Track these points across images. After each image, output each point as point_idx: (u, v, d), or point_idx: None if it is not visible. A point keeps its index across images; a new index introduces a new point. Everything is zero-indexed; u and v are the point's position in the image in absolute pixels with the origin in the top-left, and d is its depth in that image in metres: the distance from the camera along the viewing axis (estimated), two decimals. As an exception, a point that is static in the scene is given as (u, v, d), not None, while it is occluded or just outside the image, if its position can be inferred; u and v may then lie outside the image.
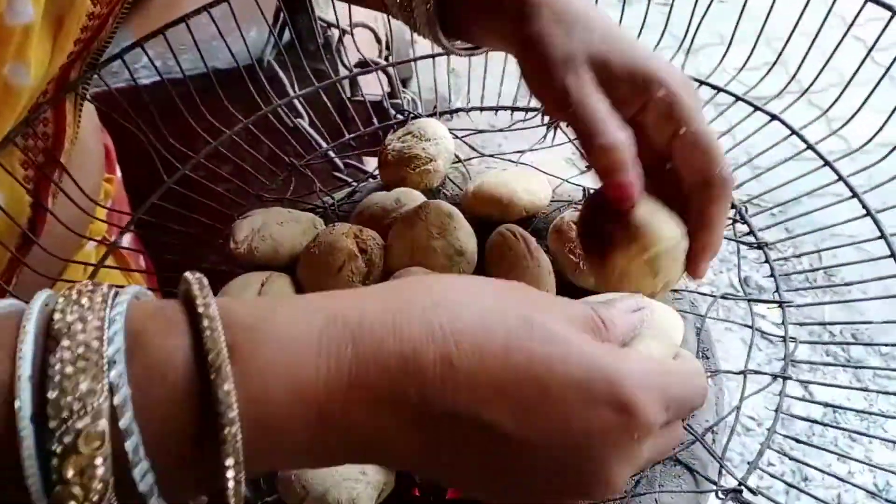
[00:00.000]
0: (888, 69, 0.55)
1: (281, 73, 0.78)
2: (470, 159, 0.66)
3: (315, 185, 0.66)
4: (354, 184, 0.68)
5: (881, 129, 0.54)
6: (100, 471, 0.21)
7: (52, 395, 0.22)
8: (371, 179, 0.69)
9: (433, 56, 0.72)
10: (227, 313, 0.25)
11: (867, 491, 0.46)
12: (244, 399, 0.24)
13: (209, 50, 0.74)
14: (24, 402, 0.22)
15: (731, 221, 0.59)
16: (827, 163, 0.58)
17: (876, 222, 0.53)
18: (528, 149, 0.66)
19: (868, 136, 0.57)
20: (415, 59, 0.72)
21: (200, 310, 0.24)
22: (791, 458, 0.47)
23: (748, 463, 0.46)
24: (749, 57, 0.65)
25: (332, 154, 0.72)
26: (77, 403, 0.22)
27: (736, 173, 0.60)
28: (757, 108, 0.64)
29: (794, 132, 0.61)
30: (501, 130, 0.68)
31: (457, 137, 0.66)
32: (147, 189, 0.68)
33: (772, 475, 0.47)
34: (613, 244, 0.40)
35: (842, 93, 0.57)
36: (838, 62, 0.57)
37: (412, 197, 0.58)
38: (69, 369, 0.22)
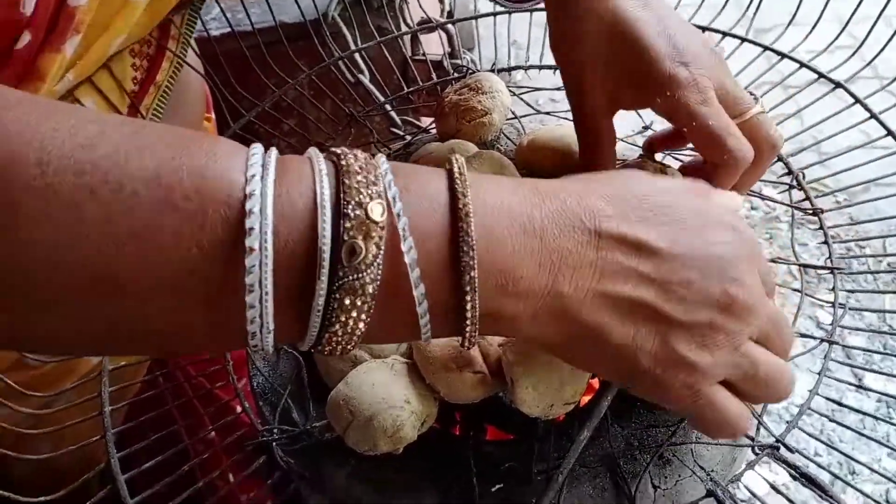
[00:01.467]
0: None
1: (345, 29, 0.80)
2: (526, 115, 0.67)
3: (373, 135, 0.68)
4: (409, 137, 0.70)
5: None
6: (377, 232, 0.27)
7: (346, 190, 0.28)
8: (426, 134, 0.70)
9: (494, 14, 0.73)
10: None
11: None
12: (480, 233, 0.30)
13: (277, 4, 0.76)
14: (324, 194, 0.27)
15: (786, 187, 0.59)
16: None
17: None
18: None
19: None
20: (476, 17, 0.73)
21: (455, 168, 0.31)
22: (831, 420, 0.47)
23: (787, 421, 0.46)
24: (833, 41, 0.63)
25: (389, 108, 0.74)
26: (366, 197, 0.27)
27: (801, 156, 0.60)
28: (821, 76, 0.63)
29: (857, 101, 0.60)
30: (559, 89, 0.68)
31: (514, 94, 0.67)
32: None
33: (810, 434, 0.47)
34: None
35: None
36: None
37: (466, 148, 0.59)
38: (356, 180, 0.28)
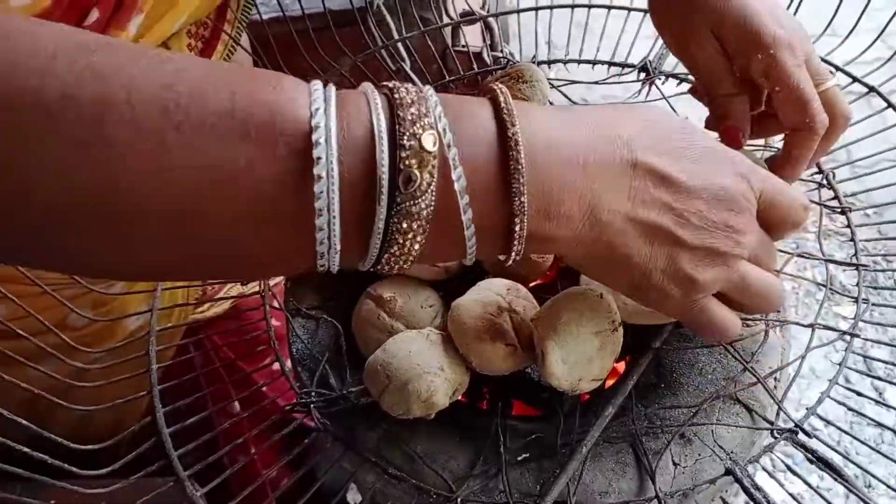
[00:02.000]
0: None
1: (389, 18, 0.82)
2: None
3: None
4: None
5: None
6: (432, 160, 0.30)
7: (400, 122, 0.30)
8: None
9: (536, 9, 0.75)
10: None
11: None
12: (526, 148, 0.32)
13: (326, -9, 0.78)
14: (380, 124, 0.30)
15: (816, 186, 0.60)
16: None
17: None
18: (622, 102, 0.68)
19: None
20: (518, 11, 0.75)
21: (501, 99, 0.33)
22: (849, 409, 0.48)
23: (806, 408, 0.48)
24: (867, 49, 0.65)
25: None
26: (419, 129, 0.30)
27: (853, 183, 0.62)
28: (855, 80, 0.64)
29: (890, 105, 0.61)
30: (597, 83, 0.70)
31: (553, 87, 0.69)
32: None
33: (828, 421, 0.49)
34: None
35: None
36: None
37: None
38: (410, 112, 0.30)
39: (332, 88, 0.31)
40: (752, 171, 0.39)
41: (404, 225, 0.30)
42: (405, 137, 0.30)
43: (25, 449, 0.43)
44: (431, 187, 0.30)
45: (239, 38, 0.68)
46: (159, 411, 0.52)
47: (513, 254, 0.35)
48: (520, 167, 0.32)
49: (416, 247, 0.31)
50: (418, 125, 0.30)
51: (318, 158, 0.28)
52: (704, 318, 0.40)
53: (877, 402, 0.51)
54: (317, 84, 0.31)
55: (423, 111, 0.30)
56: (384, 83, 0.32)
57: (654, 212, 0.36)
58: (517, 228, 0.33)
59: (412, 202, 0.30)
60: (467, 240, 0.33)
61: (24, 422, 0.44)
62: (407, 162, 0.29)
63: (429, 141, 0.30)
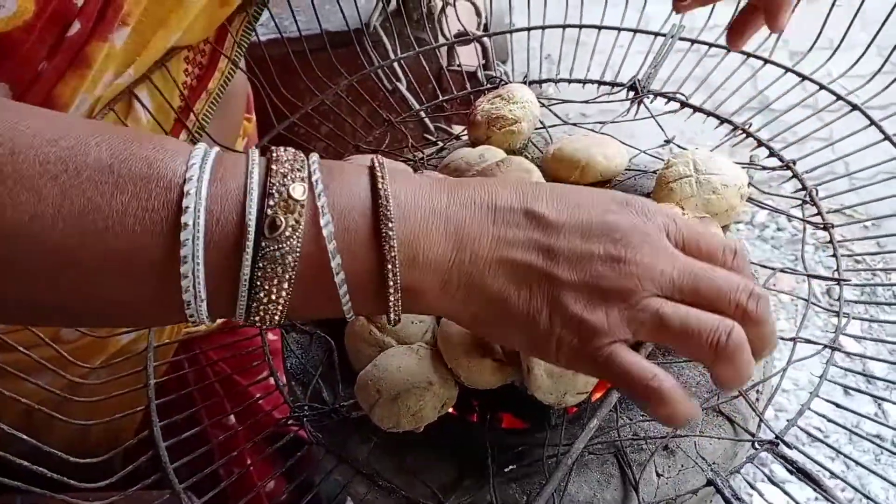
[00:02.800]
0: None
1: (385, 39, 0.84)
2: (554, 126, 0.70)
3: (408, 140, 0.72)
4: (441, 143, 0.74)
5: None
6: (297, 214, 0.32)
7: (272, 175, 0.32)
8: (457, 140, 0.74)
9: (528, 29, 0.77)
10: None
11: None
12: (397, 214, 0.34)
13: (321, 13, 0.80)
14: (253, 183, 0.32)
15: (799, 202, 0.61)
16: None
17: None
18: (611, 120, 0.69)
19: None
20: (511, 31, 0.77)
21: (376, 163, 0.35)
22: (829, 421, 0.49)
23: (787, 420, 0.49)
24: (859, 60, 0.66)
25: (423, 115, 0.77)
26: (289, 180, 0.32)
27: (832, 184, 0.63)
28: (839, 98, 0.65)
29: (872, 123, 0.62)
30: (587, 102, 0.72)
31: (544, 105, 0.70)
32: (260, 136, 0.76)
33: (810, 434, 0.50)
34: None
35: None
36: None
37: (495, 153, 0.62)
38: (284, 167, 0.33)
39: (214, 150, 0.34)
40: (651, 207, 0.37)
41: (269, 270, 0.32)
42: (275, 187, 0.32)
43: (25, 462, 0.45)
44: (297, 233, 0.32)
45: (238, 61, 0.70)
46: (156, 425, 0.53)
47: (391, 309, 0.35)
48: (388, 213, 0.33)
49: (284, 294, 0.32)
50: (289, 177, 0.32)
51: (186, 207, 0.31)
52: (616, 368, 0.34)
53: (869, 418, 0.52)
54: (199, 147, 0.33)
55: (297, 166, 0.33)
56: (271, 147, 0.34)
57: (520, 250, 0.35)
58: (390, 276, 0.33)
59: (276, 247, 0.31)
60: (339, 288, 0.33)
61: (21, 435, 0.45)
62: (274, 208, 0.32)
63: (298, 191, 0.32)
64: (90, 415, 0.57)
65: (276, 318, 0.33)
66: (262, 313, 0.33)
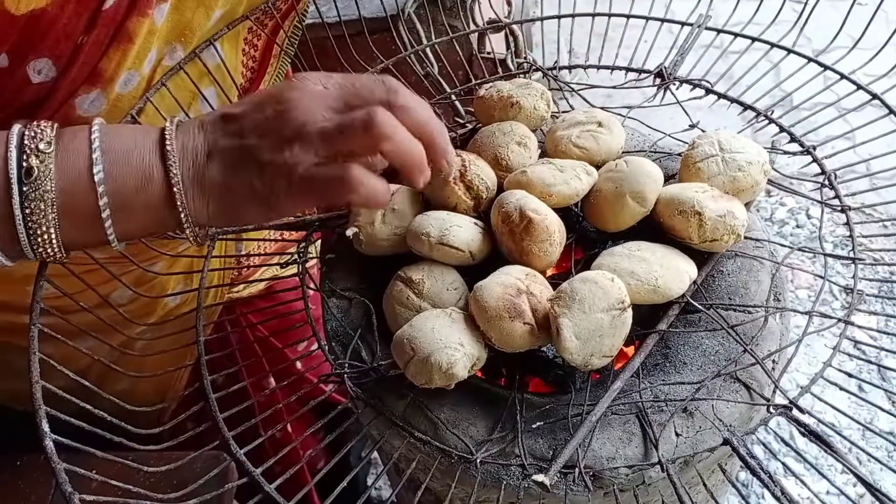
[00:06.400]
0: None
1: (419, 25, 0.87)
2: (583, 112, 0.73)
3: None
4: (470, 126, 0.77)
5: None
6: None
7: (25, 141, 0.44)
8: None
9: (559, 17, 0.80)
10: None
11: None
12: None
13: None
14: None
15: (818, 186, 0.64)
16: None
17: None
18: (637, 105, 0.72)
19: None
20: (542, 19, 0.80)
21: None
22: (842, 389, 0.52)
23: (800, 387, 0.52)
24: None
25: (454, 98, 0.81)
26: (38, 139, 0.44)
27: (854, 183, 0.65)
28: (860, 87, 0.68)
29: (891, 111, 0.64)
30: (615, 87, 0.75)
31: (573, 91, 0.73)
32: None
33: (824, 401, 0.53)
34: None
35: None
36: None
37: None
38: (33, 132, 0.44)
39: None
40: (307, 75, 0.48)
41: (35, 209, 0.42)
42: (27, 146, 0.43)
43: (81, 423, 0.48)
44: (49, 176, 0.42)
45: (291, 51, 0.73)
46: (206, 379, 0.57)
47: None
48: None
49: (53, 228, 0.43)
50: (37, 137, 0.43)
51: None
52: (318, 180, 0.45)
53: (882, 409, 0.54)
54: None
55: (44, 130, 0.44)
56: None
57: (222, 140, 0.46)
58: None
59: (34, 188, 0.42)
60: (103, 212, 0.44)
61: (72, 398, 0.49)
62: (27, 160, 0.42)
63: (43, 146, 0.43)
64: (134, 378, 0.60)
65: (55, 248, 0.44)
66: (43, 246, 0.44)
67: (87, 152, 0.44)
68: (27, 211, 0.42)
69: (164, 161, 0.45)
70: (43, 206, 0.42)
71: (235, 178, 0.46)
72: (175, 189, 0.45)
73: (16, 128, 0.44)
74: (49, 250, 0.44)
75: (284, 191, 0.45)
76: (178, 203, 0.46)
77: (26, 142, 0.43)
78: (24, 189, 0.42)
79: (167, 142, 0.46)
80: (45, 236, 0.43)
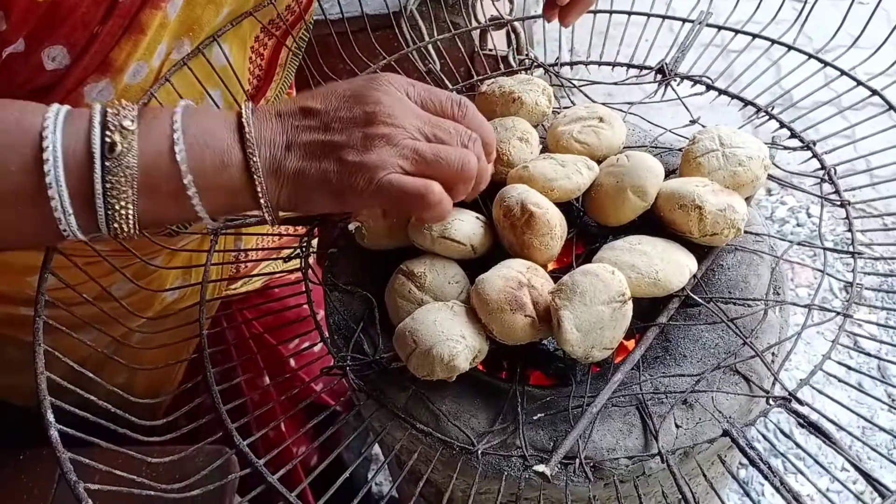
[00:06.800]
0: None
1: (421, 22, 0.88)
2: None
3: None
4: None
5: None
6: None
7: (108, 116, 0.44)
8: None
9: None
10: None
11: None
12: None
13: (363, -3, 0.84)
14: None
15: (818, 181, 0.64)
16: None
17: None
18: (638, 101, 0.73)
19: None
20: (543, 16, 0.80)
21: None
22: (840, 381, 0.52)
23: (800, 379, 0.52)
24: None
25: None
26: (122, 116, 0.44)
27: (853, 179, 0.65)
28: (859, 83, 0.68)
29: (891, 107, 0.65)
30: (616, 84, 0.75)
31: (574, 86, 0.74)
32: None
33: (824, 394, 0.53)
34: None
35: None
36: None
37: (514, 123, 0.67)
38: (116, 109, 0.45)
39: (66, 106, 0.44)
40: (393, 78, 0.49)
41: (115, 183, 0.43)
42: (110, 122, 0.43)
43: (85, 413, 0.48)
44: (133, 152, 0.43)
45: (296, 63, 0.74)
46: (210, 371, 0.57)
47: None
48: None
49: (131, 203, 0.44)
50: (121, 115, 0.44)
51: (46, 147, 0.42)
52: (396, 188, 0.47)
53: (882, 401, 0.54)
54: (55, 104, 0.44)
55: (127, 109, 0.44)
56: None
57: (305, 135, 0.47)
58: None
59: (117, 164, 0.43)
60: (188, 189, 0.45)
61: (71, 386, 0.49)
62: (111, 135, 0.43)
63: (127, 123, 0.43)
64: (131, 370, 0.61)
65: (130, 225, 0.44)
66: (119, 221, 0.44)
67: (169, 132, 0.45)
68: (108, 185, 0.43)
69: (245, 148, 0.46)
70: (124, 182, 0.43)
71: (313, 169, 0.47)
72: (255, 177, 0.46)
73: (98, 105, 0.45)
74: (125, 226, 0.45)
75: (362, 189, 0.47)
76: (259, 190, 0.47)
77: (109, 118, 0.43)
78: (107, 164, 0.43)
79: (246, 129, 0.47)
80: (123, 212, 0.44)
